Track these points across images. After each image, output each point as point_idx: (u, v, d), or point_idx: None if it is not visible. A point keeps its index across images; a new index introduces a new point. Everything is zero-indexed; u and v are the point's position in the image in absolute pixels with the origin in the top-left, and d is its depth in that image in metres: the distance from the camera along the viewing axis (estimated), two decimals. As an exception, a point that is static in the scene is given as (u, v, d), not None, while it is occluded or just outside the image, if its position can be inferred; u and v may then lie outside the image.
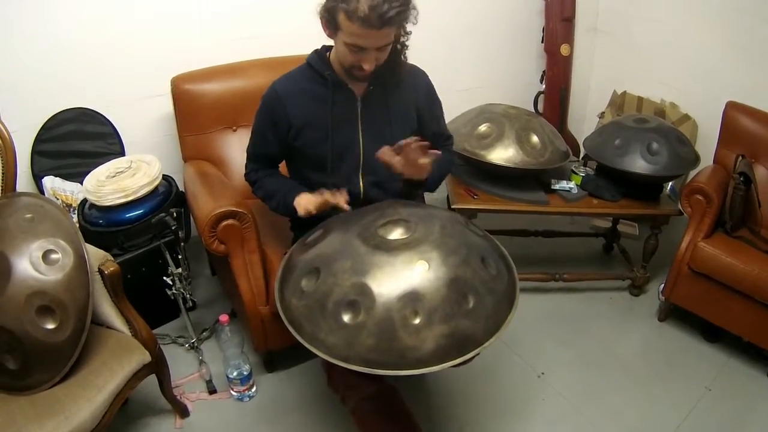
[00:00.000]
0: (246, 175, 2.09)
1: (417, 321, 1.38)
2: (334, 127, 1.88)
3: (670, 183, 3.12)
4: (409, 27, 1.76)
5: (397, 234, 1.55)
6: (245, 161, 2.09)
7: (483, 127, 2.70)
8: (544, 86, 3.94)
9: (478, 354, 1.44)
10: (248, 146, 2.06)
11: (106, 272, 1.83)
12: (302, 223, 1.93)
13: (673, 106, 3.51)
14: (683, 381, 2.51)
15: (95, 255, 1.85)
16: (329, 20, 1.66)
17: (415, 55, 1.94)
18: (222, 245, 2.05)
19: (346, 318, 1.40)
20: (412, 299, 1.39)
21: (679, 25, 3.53)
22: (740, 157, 2.72)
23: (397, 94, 1.93)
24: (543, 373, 2.50)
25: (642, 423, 2.30)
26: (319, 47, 1.92)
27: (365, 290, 1.41)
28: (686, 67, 3.54)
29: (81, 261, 1.71)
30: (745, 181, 2.54)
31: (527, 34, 3.92)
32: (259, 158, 2.04)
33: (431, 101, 2.06)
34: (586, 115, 4.29)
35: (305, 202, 1.83)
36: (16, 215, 1.74)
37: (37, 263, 1.64)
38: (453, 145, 2.24)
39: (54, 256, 1.68)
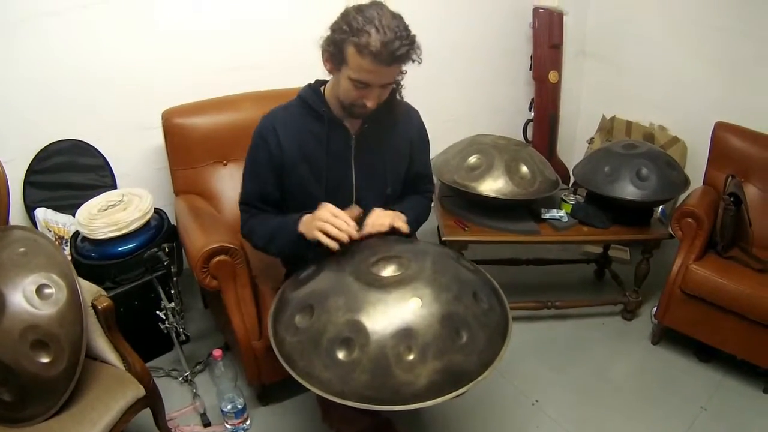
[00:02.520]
0: (241, 229, 1.98)
1: (411, 357, 1.38)
2: (328, 164, 1.86)
3: (661, 207, 3.15)
4: (405, 67, 1.74)
5: (389, 271, 1.56)
6: (240, 215, 1.99)
7: (473, 159, 2.72)
8: (533, 114, 3.97)
9: (471, 388, 1.44)
10: (240, 196, 1.97)
11: (99, 307, 1.83)
12: (295, 259, 1.92)
13: (662, 129, 3.56)
14: (678, 402, 2.52)
15: (88, 290, 1.85)
16: (334, 54, 1.63)
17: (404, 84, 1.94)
18: (214, 281, 2.05)
19: (340, 355, 1.41)
20: (405, 336, 1.40)
21: (666, 47, 3.60)
22: (730, 177, 2.76)
23: (391, 132, 1.93)
24: (537, 401, 2.50)
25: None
26: (312, 82, 1.90)
27: (359, 327, 1.42)
28: (674, 89, 3.60)
29: (74, 296, 1.71)
30: (736, 201, 2.57)
31: (515, 62, 3.97)
32: (253, 202, 1.94)
33: (422, 141, 2.06)
34: (575, 140, 4.34)
35: (307, 226, 1.74)
36: (9, 249, 1.74)
37: (31, 297, 1.64)
38: (433, 190, 2.22)
39: (48, 290, 1.68)
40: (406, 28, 1.58)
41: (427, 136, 2.07)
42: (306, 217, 1.77)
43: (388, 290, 1.49)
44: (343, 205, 1.87)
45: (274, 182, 1.90)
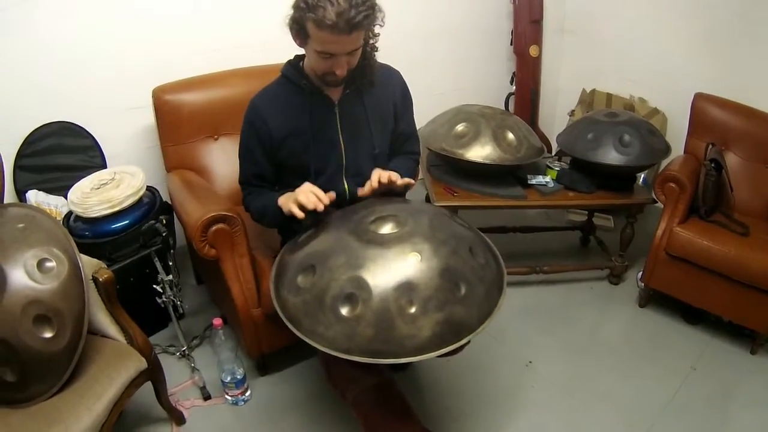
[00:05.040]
0: (243, 203, 2.10)
1: (413, 310, 1.42)
2: (314, 134, 1.92)
3: (643, 174, 3.22)
4: (377, 29, 1.79)
5: (388, 228, 1.60)
6: (241, 192, 2.10)
7: (460, 127, 2.76)
8: (514, 88, 4.03)
9: (470, 341, 1.49)
10: (239, 175, 2.07)
11: (100, 279, 1.83)
12: (290, 227, 1.96)
13: (642, 101, 3.61)
14: (668, 362, 2.59)
15: (88, 263, 1.86)
16: (298, 30, 1.69)
17: (386, 60, 2.01)
18: (213, 250, 2.07)
19: (344, 311, 1.44)
20: (407, 289, 1.44)
21: (644, 21, 3.65)
22: (711, 145, 2.81)
23: (373, 95, 1.98)
24: (531, 362, 2.56)
25: (631, 402, 2.37)
26: (292, 57, 1.96)
27: (362, 283, 1.45)
28: (653, 62, 3.65)
29: (75, 269, 1.71)
30: (717, 167, 2.63)
31: (496, 37, 4.02)
32: (250, 180, 2.05)
33: (405, 99, 2.10)
34: (556, 114, 4.39)
35: (284, 200, 1.87)
36: (8, 225, 1.74)
37: (33, 272, 1.64)
38: (419, 151, 2.26)
39: (49, 264, 1.68)
40: None
41: (410, 94, 2.11)
42: (287, 194, 1.88)
43: (387, 246, 1.52)
44: (334, 170, 1.98)
45: (266, 161, 1.99)
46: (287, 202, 1.82)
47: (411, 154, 2.20)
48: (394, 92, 2.05)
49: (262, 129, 1.91)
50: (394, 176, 1.83)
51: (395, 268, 1.48)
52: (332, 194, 1.80)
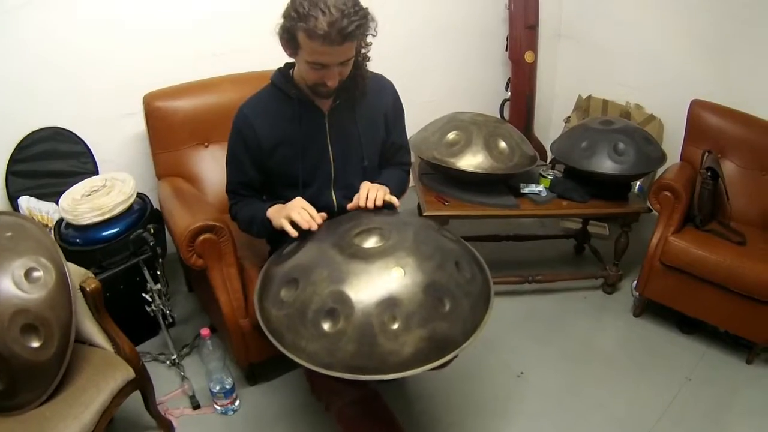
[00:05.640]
0: (229, 212, 2.08)
1: (395, 326, 1.41)
2: (304, 145, 1.90)
3: (638, 182, 3.20)
4: (369, 38, 1.75)
5: (372, 242, 1.58)
6: (228, 201, 2.07)
7: (452, 135, 2.74)
8: (509, 93, 4.01)
9: (456, 356, 1.47)
10: (226, 183, 2.04)
11: (87, 289, 1.84)
12: (278, 237, 1.95)
13: (638, 108, 3.60)
14: (664, 372, 2.57)
15: (76, 272, 1.86)
16: (289, 40, 1.65)
17: (380, 68, 1.98)
18: (200, 259, 2.07)
19: (326, 326, 1.43)
20: (389, 305, 1.42)
21: (641, 27, 3.63)
22: (707, 153, 2.79)
23: (363, 105, 1.95)
24: (522, 373, 2.55)
25: (626, 413, 2.36)
26: (282, 65, 1.92)
27: (343, 298, 1.44)
28: (650, 69, 3.63)
29: (63, 278, 1.71)
30: (713, 175, 2.61)
31: (491, 43, 4.00)
32: (237, 189, 2.01)
33: (397, 110, 2.07)
34: (552, 120, 4.38)
35: (275, 213, 1.84)
36: (-4, 234, 1.73)
37: (20, 281, 1.64)
38: (410, 162, 2.24)
39: (36, 273, 1.68)
40: (355, 3, 1.58)
41: (401, 106, 2.09)
42: (276, 206, 1.86)
43: (371, 261, 1.51)
44: (323, 182, 1.95)
45: (253, 170, 1.95)
46: (278, 217, 1.79)
47: (402, 165, 2.17)
48: (386, 103, 2.02)
49: (249, 137, 1.88)
50: (388, 198, 1.81)
51: (378, 283, 1.46)
52: (324, 214, 1.77)
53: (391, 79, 2.06)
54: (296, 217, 1.72)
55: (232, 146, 1.95)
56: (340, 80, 1.72)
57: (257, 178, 1.99)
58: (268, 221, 1.86)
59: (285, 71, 1.90)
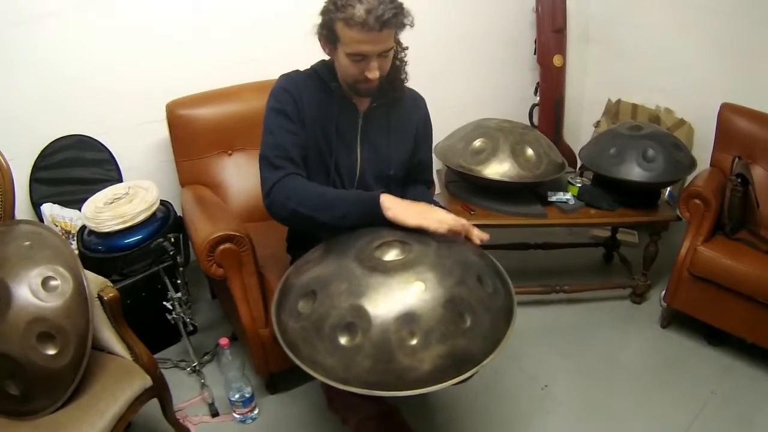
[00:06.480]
0: (269, 191, 1.70)
1: (414, 342, 1.37)
2: (336, 138, 1.85)
3: (668, 188, 3.13)
4: (404, 41, 1.76)
5: (392, 255, 1.55)
6: (262, 180, 1.73)
7: (478, 143, 2.71)
8: (538, 98, 3.96)
9: (476, 372, 1.43)
10: (265, 157, 1.73)
11: (105, 298, 1.83)
12: (299, 246, 1.92)
13: (668, 112, 3.53)
14: (688, 386, 2.51)
15: (94, 281, 1.85)
16: (327, 35, 1.65)
17: (409, 71, 1.94)
18: (220, 269, 2.06)
19: (343, 340, 1.40)
20: (408, 320, 1.39)
21: (669, 30, 3.55)
22: (737, 159, 2.74)
23: (398, 114, 1.93)
24: (546, 386, 2.50)
25: (649, 428, 2.31)
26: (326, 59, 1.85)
27: (362, 312, 1.41)
28: (679, 72, 3.56)
29: (80, 287, 1.71)
30: (743, 182, 2.55)
31: (519, 47, 3.95)
32: (281, 157, 1.72)
33: (427, 127, 2.07)
34: (581, 124, 4.31)
35: (406, 207, 1.63)
36: (15, 243, 1.75)
37: (37, 290, 1.65)
38: (434, 181, 2.22)
39: (53, 282, 1.68)
40: None
41: (431, 126, 2.08)
42: (393, 197, 1.65)
43: (391, 274, 1.47)
44: (346, 181, 1.91)
45: (299, 136, 1.78)
46: (415, 214, 1.61)
47: (427, 183, 2.17)
48: (419, 117, 2.01)
49: (297, 99, 1.77)
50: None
51: (397, 297, 1.43)
52: (487, 236, 1.70)
53: (419, 83, 2.04)
54: (456, 227, 1.64)
55: (282, 104, 1.77)
56: (380, 75, 1.70)
57: (301, 154, 1.78)
58: (374, 205, 1.63)
59: (329, 63, 1.84)
